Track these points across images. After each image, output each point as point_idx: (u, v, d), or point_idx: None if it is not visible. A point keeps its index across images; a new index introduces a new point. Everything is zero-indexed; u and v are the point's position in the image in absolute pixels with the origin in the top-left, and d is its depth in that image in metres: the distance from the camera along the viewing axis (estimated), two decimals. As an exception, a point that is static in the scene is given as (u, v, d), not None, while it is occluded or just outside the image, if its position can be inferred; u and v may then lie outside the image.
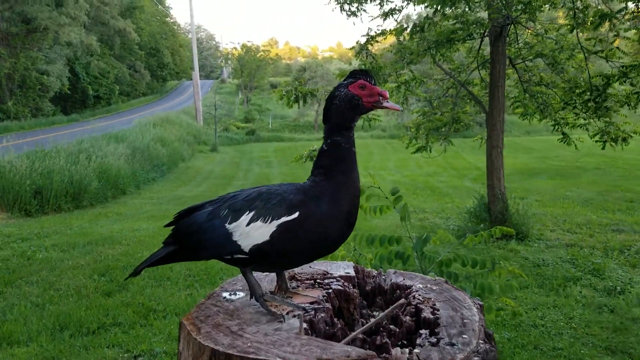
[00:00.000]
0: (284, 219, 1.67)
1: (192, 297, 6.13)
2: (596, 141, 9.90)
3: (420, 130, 10.53)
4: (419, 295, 1.92)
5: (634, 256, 7.91)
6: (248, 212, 1.72)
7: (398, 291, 2.01)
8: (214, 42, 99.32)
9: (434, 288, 1.99)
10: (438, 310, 1.77)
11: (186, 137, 29.61)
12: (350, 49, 10.13)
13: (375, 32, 9.47)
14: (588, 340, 4.96)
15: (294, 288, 1.94)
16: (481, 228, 8.96)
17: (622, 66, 8.65)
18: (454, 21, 9.07)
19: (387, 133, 39.46)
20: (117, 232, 9.73)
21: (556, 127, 10.43)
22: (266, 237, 1.68)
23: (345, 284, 1.98)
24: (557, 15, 14.27)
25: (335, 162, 1.71)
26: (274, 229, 1.68)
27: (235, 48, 57.07)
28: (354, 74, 1.75)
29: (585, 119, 9.96)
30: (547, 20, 11.02)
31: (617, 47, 8.80)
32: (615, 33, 8.52)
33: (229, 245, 1.73)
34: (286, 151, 31.86)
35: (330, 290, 1.91)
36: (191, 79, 46.77)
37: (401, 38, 9.39)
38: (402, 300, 1.83)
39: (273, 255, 1.72)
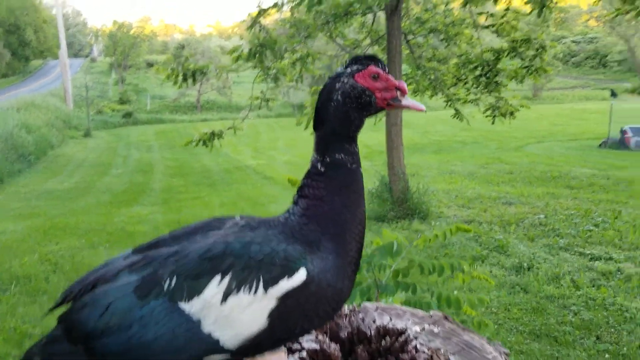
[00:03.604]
0: (285, 284, 1.09)
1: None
2: (486, 116, 10.09)
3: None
4: (422, 344, 1.41)
5: (530, 229, 8.13)
6: (217, 277, 1.10)
7: (388, 338, 1.49)
8: (81, 19, 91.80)
9: (436, 330, 1.49)
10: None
11: (55, 122, 26.87)
12: (241, 22, 9.40)
13: (268, 5, 8.83)
14: (511, 326, 4.84)
15: None
16: (386, 210, 8.78)
17: (513, 41, 8.79)
18: (350, -6, 8.67)
19: (274, 112, 38.84)
20: (-24, 237, 8.31)
21: (449, 103, 10.49)
22: (262, 320, 1.08)
23: (320, 338, 1.42)
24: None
25: (337, 191, 1.20)
26: (274, 303, 1.09)
27: (105, 25, 53.17)
28: (359, 59, 1.23)
29: (475, 94, 10.10)
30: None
31: (507, 22, 8.91)
32: (506, 7, 8.59)
33: (197, 344, 1.09)
34: (168, 134, 30.17)
35: (304, 353, 1.34)
36: (57, 58, 42.74)
37: (296, 12, 8.84)
38: None
39: (269, 345, 1.13)
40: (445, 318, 1.55)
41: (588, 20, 59.80)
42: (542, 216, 8.79)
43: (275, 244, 1.14)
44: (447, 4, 10.22)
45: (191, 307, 1.09)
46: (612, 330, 4.60)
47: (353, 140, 1.23)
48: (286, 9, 9.43)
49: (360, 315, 1.59)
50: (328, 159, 1.21)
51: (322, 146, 1.22)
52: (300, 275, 1.10)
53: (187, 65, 7.81)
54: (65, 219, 9.60)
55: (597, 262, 6.37)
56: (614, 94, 27.69)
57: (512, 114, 9.88)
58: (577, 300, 5.26)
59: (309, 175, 1.26)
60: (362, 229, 1.23)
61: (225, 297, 1.08)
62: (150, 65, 58.07)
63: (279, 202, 11.21)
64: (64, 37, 38.51)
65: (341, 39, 10.32)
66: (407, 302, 2.27)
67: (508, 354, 1.40)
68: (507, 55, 9.02)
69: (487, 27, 9.21)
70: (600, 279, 5.80)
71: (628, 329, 4.60)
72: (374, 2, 8.31)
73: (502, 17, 8.87)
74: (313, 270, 1.12)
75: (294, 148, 23.02)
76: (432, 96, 11.08)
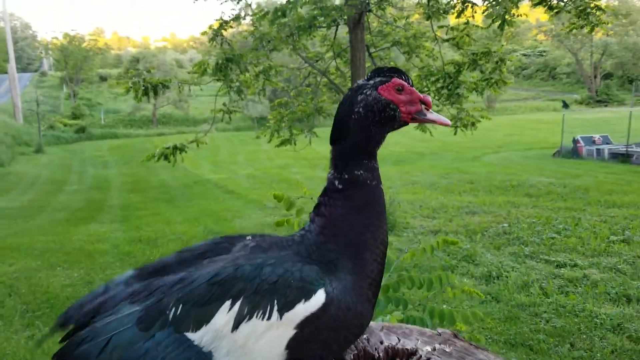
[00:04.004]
0: (302, 308, 1.00)
1: (35, 340, 4.93)
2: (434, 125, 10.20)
3: (283, 123, 9.99)
4: (436, 366, 1.34)
5: (495, 238, 8.23)
6: (227, 303, 1.00)
7: (397, 359, 1.41)
8: (30, 32, 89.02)
9: (448, 350, 1.42)
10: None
11: (4, 138, 25.96)
12: (202, 33, 9.24)
13: (230, 17, 8.74)
14: (487, 335, 4.84)
15: None
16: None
17: (473, 54, 8.96)
18: (313, 6, 8.66)
19: (233, 125, 38.52)
20: None
21: (410, 115, 10.57)
22: (280, 351, 0.99)
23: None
24: (411, 4, 14.69)
25: (357, 209, 1.13)
26: (292, 331, 0.99)
27: (56, 37, 51.71)
28: (382, 71, 1.17)
29: (438, 106, 10.23)
30: (405, 9, 11.12)
31: (467, 35, 9.07)
32: (466, 21, 8.74)
33: None
34: (123, 149, 29.52)
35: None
36: (6, 72, 41.24)
37: (258, 24, 8.77)
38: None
39: None
40: (455, 336, 1.49)
41: (537, 34, 62.04)
42: (505, 225, 8.92)
43: (290, 264, 1.06)
44: (407, 17, 10.37)
45: (200, 337, 1.00)
46: (584, 337, 4.65)
47: (372, 156, 1.17)
48: (247, 21, 9.39)
49: (365, 336, 1.51)
50: (346, 176, 1.15)
51: (341, 162, 1.17)
52: (319, 298, 1.02)
53: (150, 79, 7.60)
54: (19, 239, 9.17)
55: (563, 269, 6.47)
56: (565, 105, 28.72)
57: (473, 124, 10.03)
58: (547, 308, 5.31)
59: (326, 192, 1.19)
60: (384, 249, 1.16)
61: (236, 324, 0.99)
62: (103, 79, 56.83)
63: (243, 217, 11.04)
64: (12, 50, 37.28)
65: (303, 51, 10.31)
66: (401, 320, 2.20)
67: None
68: (467, 67, 9.16)
69: (447, 40, 9.36)
70: (568, 286, 5.88)
71: (599, 335, 4.66)
72: (338, 15, 8.32)
73: (462, 30, 9.03)
74: (332, 292, 1.04)
75: (255, 162, 22.87)
76: (394, 108, 11.16)
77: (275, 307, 1.00)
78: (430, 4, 8.60)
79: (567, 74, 55.27)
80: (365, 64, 9.24)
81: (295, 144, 10.28)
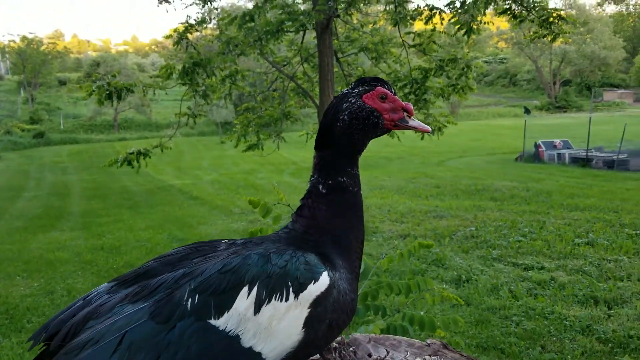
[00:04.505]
0: (313, 288, 1.06)
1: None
2: (416, 132, 10.26)
3: (250, 127, 9.87)
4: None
5: (463, 242, 8.29)
6: (244, 289, 1.03)
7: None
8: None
9: (440, 362, 1.36)
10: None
11: (-43, 144, 24.95)
12: (167, 37, 9.05)
13: (195, 20, 8.60)
14: (459, 340, 4.83)
15: None
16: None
17: (440, 60, 9.04)
18: (281, 11, 8.60)
19: (197, 130, 38.05)
20: None
21: (379, 120, 10.61)
22: (299, 329, 1.04)
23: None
24: (378, 10, 14.79)
25: (341, 213, 1.21)
26: (307, 311, 1.05)
27: (13, 41, 50.10)
28: (366, 81, 1.24)
29: (405, 111, 10.29)
30: (371, 14, 11.17)
31: (434, 42, 9.16)
32: (433, 28, 8.82)
33: None
34: (83, 154, 28.79)
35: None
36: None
37: (224, 28, 8.65)
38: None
39: (302, 358, 1.10)
40: (445, 347, 1.43)
41: (498, 42, 63.49)
42: (472, 228, 9.00)
43: (292, 251, 1.11)
44: (374, 23, 10.41)
45: (224, 323, 1.02)
46: (555, 339, 4.70)
47: (355, 163, 1.22)
48: (211, 25, 9.26)
49: (352, 348, 1.44)
50: (330, 182, 1.20)
51: (325, 168, 1.21)
52: (324, 279, 1.08)
53: (115, 83, 7.38)
54: (-26, 249, 8.78)
55: (530, 271, 6.55)
56: (527, 111, 29.39)
57: (440, 130, 10.12)
58: (517, 311, 5.35)
59: (310, 195, 1.24)
60: (362, 248, 1.25)
61: (258, 307, 1.03)
62: (62, 83, 55.38)
63: (209, 223, 10.86)
64: (-34, 53, 36.06)
65: (270, 56, 10.23)
66: (383, 329, 2.14)
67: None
68: (434, 73, 9.24)
69: (413, 46, 9.42)
70: (537, 288, 5.95)
71: (569, 337, 4.71)
72: (306, 20, 8.27)
73: (429, 37, 9.11)
74: (332, 276, 1.11)
75: (220, 167, 22.59)
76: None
77: (291, 289, 1.04)
78: (398, 10, 8.65)
79: (527, 81, 56.79)
80: (333, 69, 9.22)
81: (262, 149, 10.18)
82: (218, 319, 1.01)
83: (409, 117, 1.24)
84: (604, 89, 53.04)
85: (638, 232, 8.18)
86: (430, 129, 1.29)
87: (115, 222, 11.20)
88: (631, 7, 70.97)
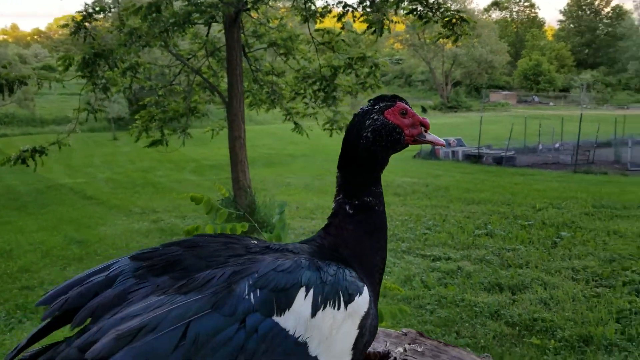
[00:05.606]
0: (360, 300, 1.05)
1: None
2: (325, 129, 10.39)
3: (153, 122, 9.45)
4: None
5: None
6: (302, 290, 1.00)
7: (371, 365, 1.32)
8: None
9: (420, 349, 1.36)
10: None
11: None
12: (62, 26, 8.42)
13: (94, 9, 8.08)
14: (379, 331, 4.93)
15: None
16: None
17: (349, 58, 9.19)
18: (187, 3, 8.30)
19: (86, 126, 35.86)
20: None
21: (288, 116, 10.60)
22: (350, 344, 1.02)
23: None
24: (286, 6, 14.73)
25: (368, 233, 1.20)
26: (357, 324, 1.03)
27: None
28: (386, 97, 1.25)
29: (314, 108, 10.36)
30: (279, 9, 11.10)
31: (343, 40, 9.29)
32: (342, 26, 8.94)
33: None
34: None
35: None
36: None
37: (126, 18, 8.20)
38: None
39: None
40: (421, 335, 1.43)
41: (394, 43, 65.99)
42: (380, 223, 9.26)
43: (335, 263, 1.10)
44: (281, 19, 10.36)
45: (293, 327, 0.98)
46: (467, 324, 4.94)
47: (378, 181, 1.23)
48: (113, 13, 8.76)
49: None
50: (357, 202, 1.20)
51: (350, 188, 1.21)
52: (366, 294, 1.07)
53: (6, 74, 6.72)
54: None
55: (438, 262, 6.85)
56: (424, 110, 30.80)
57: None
58: (430, 300, 5.57)
59: (337, 215, 1.24)
60: (384, 268, 1.26)
61: (314, 311, 1.00)
62: None
63: (108, 224, 10.28)
64: None
65: (173, 48, 9.87)
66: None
67: (500, 365, 1.32)
68: (343, 71, 9.38)
69: (322, 43, 9.49)
70: (446, 278, 6.23)
71: (480, 322, 4.97)
72: (215, 12, 8.05)
73: (338, 34, 9.23)
74: (368, 292, 1.10)
75: (115, 165, 21.49)
76: (268, 110, 11.13)
77: (342, 298, 1.02)
78: (307, 6, 8.67)
79: (422, 82, 59.70)
80: (242, 63, 9.07)
81: (167, 145, 9.80)
82: (280, 316, 0.97)
83: (426, 132, 1.25)
84: (490, 90, 57.07)
85: (530, 222, 8.85)
86: (444, 142, 1.31)
87: (3, 224, 10.30)
88: (514, 14, 76.94)
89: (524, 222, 8.85)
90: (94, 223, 10.43)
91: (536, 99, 56.44)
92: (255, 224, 2.56)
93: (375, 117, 1.20)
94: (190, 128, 10.85)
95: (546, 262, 6.70)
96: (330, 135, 10.40)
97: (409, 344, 1.38)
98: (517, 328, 4.81)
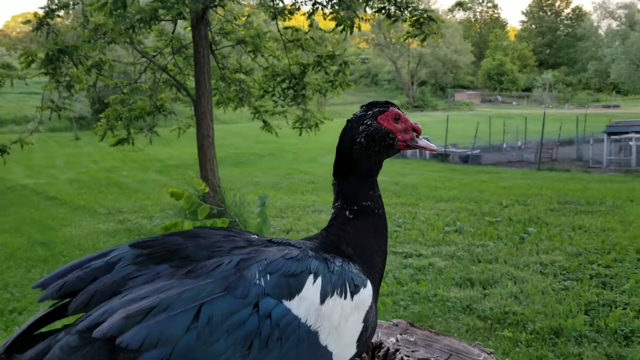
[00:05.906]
0: (364, 292, 1.06)
1: None
2: (294, 128, 10.35)
3: (119, 121, 9.24)
4: (407, 356, 1.25)
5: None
6: (310, 277, 1.01)
7: (365, 355, 1.29)
8: None
9: (412, 339, 1.34)
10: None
11: None
12: (25, 22, 8.16)
13: (57, 4, 7.86)
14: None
15: None
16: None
17: (318, 56, 9.17)
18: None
19: (46, 126, 34.88)
20: None
21: (256, 115, 10.52)
22: (356, 335, 1.04)
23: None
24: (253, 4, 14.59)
25: (369, 236, 1.21)
26: (363, 316, 1.05)
27: None
28: (378, 103, 1.27)
29: (283, 107, 10.30)
30: (246, 5, 11.00)
31: (312, 38, 9.26)
32: (310, 23, 8.91)
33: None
34: None
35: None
36: None
37: (90, 14, 8.00)
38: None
39: None
40: (412, 325, 1.42)
41: (360, 42, 66.38)
42: (351, 221, 9.27)
43: (340, 257, 1.11)
44: (248, 16, 10.27)
45: (297, 308, 0.98)
46: (440, 319, 4.97)
47: (375, 184, 1.24)
48: (76, 9, 8.54)
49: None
50: (356, 207, 1.21)
51: (348, 194, 1.22)
52: (369, 287, 1.08)
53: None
54: None
55: (410, 259, 6.89)
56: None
57: (317, 125, 10.29)
58: (404, 296, 5.60)
59: (337, 220, 1.23)
60: (383, 269, 1.27)
61: (322, 298, 1.00)
62: None
63: (73, 225, 10.01)
64: None
65: (139, 45, 9.67)
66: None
67: (493, 353, 1.32)
68: (312, 69, 9.35)
69: (291, 41, 9.44)
70: (418, 274, 6.27)
71: (453, 316, 5.02)
72: (183, 8, 7.92)
73: (307, 32, 9.20)
74: (371, 286, 1.12)
75: (77, 165, 20.99)
76: (236, 108, 11.02)
77: (349, 288, 1.04)
78: (275, 3, 8.62)
79: (388, 81, 60.26)
80: (209, 61, 8.95)
81: (133, 144, 9.61)
82: (290, 300, 0.97)
83: (417, 137, 1.26)
84: (455, 90, 57.99)
85: (497, 219, 8.99)
86: (436, 148, 1.33)
87: (-40, 227, 9.90)
88: (478, 14, 78.31)
89: (492, 219, 8.99)
90: (58, 224, 10.14)
91: (499, 98, 57.68)
92: (236, 220, 2.51)
93: (368, 123, 1.21)
94: (162, 127, 10.66)
95: (515, 257, 6.82)
96: (300, 134, 10.37)
97: (401, 334, 1.36)
98: (489, 322, 4.86)
